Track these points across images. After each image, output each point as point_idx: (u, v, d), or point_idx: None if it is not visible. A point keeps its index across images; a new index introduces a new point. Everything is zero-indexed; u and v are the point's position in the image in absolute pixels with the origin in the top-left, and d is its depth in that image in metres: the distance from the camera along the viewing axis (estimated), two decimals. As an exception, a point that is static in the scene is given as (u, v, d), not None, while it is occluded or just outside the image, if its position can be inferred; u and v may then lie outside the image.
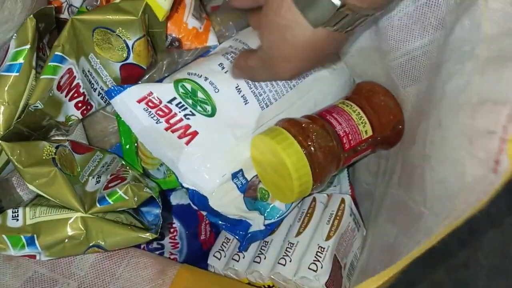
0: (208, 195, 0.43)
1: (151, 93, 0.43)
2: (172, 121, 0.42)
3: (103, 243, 0.41)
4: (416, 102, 0.41)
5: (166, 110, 0.42)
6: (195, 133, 0.42)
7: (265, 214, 0.46)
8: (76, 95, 0.44)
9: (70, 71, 0.42)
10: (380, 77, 0.46)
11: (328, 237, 0.45)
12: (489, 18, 0.29)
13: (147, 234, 0.41)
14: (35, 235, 0.40)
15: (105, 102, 0.48)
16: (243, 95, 0.44)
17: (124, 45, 0.43)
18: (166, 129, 0.42)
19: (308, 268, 0.42)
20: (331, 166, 0.42)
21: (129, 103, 0.42)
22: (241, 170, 0.44)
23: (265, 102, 0.44)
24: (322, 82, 0.48)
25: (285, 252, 0.45)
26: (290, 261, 0.44)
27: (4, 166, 0.44)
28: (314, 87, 0.47)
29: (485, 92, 0.28)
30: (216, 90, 0.43)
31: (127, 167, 0.46)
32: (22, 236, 0.40)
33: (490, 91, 0.28)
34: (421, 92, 0.41)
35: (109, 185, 0.43)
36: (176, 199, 0.55)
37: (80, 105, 0.45)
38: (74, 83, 0.43)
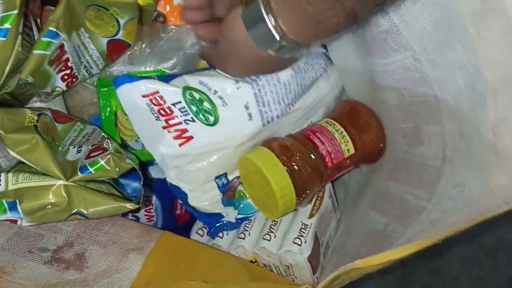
0: (188, 193, 0.45)
1: (157, 92, 0.42)
2: (171, 122, 0.43)
3: (85, 211, 0.41)
4: (400, 105, 0.42)
5: (168, 111, 0.43)
6: (190, 137, 0.43)
7: (239, 210, 0.48)
8: (64, 68, 0.44)
9: (61, 46, 0.42)
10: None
11: (311, 216, 0.47)
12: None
13: (130, 204, 0.41)
14: (17, 200, 0.40)
15: (89, 75, 0.48)
16: (250, 112, 0.44)
17: (116, 23, 0.43)
18: (164, 127, 0.43)
19: (293, 242, 0.44)
20: (314, 184, 0.43)
21: (134, 95, 0.43)
22: (225, 173, 0.46)
23: (267, 120, 0.45)
24: (321, 103, 0.50)
25: (269, 229, 0.47)
26: (275, 237, 0.46)
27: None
28: (313, 108, 0.49)
29: (502, 112, 0.30)
30: (224, 105, 0.43)
31: (108, 139, 0.46)
32: (4, 201, 0.40)
33: (507, 110, 0.30)
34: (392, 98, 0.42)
35: (91, 154, 0.43)
36: (153, 173, 0.55)
37: (66, 77, 0.45)
38: (64, 57, 0.43)
